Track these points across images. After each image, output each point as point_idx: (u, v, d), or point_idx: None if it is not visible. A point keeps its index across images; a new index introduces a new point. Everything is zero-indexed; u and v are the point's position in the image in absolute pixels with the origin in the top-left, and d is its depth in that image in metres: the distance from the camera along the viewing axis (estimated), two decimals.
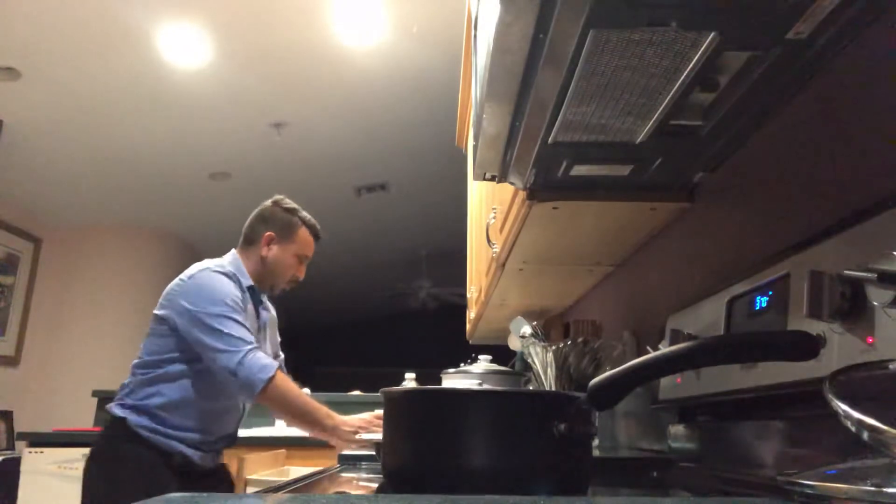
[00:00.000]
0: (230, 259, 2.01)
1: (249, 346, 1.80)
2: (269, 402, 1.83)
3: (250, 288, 1.98)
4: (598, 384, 0.70)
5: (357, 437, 1.82)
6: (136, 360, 1.92)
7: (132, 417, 1.84)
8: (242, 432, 2.16)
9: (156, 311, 1.91)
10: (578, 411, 0.70)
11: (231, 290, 1.88)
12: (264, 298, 2.09)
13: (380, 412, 1.90)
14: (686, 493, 0.93)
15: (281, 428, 3.09)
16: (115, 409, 1.87)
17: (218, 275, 1.91)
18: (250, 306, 1.97)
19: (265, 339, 2.08)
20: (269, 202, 2.11)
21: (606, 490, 0.86)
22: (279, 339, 2.21)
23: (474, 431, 0.69)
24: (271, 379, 1.78)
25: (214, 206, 5.41)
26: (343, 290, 7.84)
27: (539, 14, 0.79)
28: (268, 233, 2.03)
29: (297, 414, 1.88)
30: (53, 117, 4.04)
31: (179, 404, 1.84)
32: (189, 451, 1.86)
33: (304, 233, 2.06)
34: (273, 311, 2.17)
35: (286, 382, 1.83)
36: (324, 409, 1.89)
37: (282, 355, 2.19)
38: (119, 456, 1.82)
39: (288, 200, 2.11)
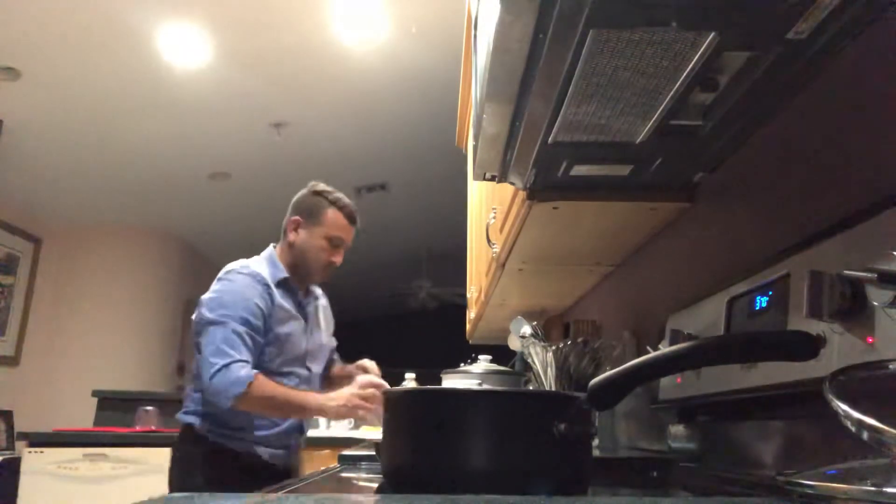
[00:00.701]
0: (266, 255, 1.99)
1: (225, 362, 1.75)
2: (247, 409, 1.81)
3: (284, 281, 1.93)
4: (598, 384, 0.70)
5: (345, 409, 1.83)
6: (194, 369, 1.93)
7: (199, 423, 1.86)
8: None
9: (193, 317, 1.91)
10: (578, 411, 0.70)
11: (243, 295, 1.84)
12: (311, 287, 2.06)
13: (365, 379, 1.89)
14: (686, 493, 0.93)
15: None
16: (183, 416, 1.90)
17: (239, 276, 1.88)
18: (281, 301, 1.91)
19: (318, 328, 2.06)
20: (303, 189, 2.05)
21: (606, 490, 0.85)
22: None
23: (474, 431, 0.69)
24: (243, 393, 1.74)
25: (214, 206, 5.40)
26: (343, 290, 7.81)
27: (539, 14, 0.79)
28: (294, 217, 1.99)
29: (281, 410, 1.88)
30: (53, 117, 4.04)
31: None
32: (257, 450, 1.88)
33: (332, 214, 1.98)
34: (324, 299, 2.14)
35: (263, 387, 1.77)
36: (305, 394, 1.88)
37: (334, 343, 2.20)
38: (190, 462, 1.86)
39: (322, 185, 2.03)
